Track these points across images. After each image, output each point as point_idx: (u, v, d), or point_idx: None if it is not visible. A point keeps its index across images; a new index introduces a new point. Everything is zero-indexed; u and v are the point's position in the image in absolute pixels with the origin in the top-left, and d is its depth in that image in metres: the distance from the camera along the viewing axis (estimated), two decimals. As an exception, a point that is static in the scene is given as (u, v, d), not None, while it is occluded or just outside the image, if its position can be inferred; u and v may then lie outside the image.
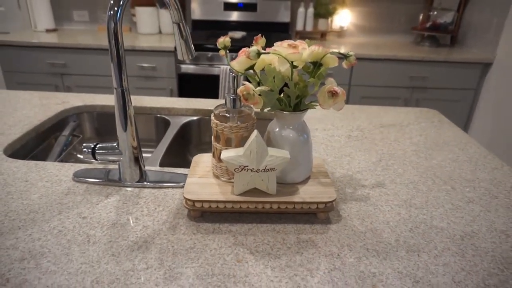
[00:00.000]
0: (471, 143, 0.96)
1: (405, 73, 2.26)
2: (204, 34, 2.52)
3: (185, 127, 1.11)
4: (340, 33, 2.76)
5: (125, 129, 0.68)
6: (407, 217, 0.65)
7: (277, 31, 2.66)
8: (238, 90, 0.58)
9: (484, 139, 2.27)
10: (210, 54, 2.21)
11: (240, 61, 0.58)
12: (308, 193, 0.61)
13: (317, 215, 0.63)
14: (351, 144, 0.93)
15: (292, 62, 0.57)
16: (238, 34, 2.39)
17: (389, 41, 2.70)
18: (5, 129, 0.94)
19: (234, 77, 0.61)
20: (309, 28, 2.61)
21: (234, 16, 2.63)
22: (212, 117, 0.63)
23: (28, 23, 2.77)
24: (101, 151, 0.70)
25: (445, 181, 0.77)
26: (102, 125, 1.16)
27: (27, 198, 0.66)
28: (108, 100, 1.17)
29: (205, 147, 1.16)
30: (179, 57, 0.73)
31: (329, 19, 2.63)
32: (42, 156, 0.98)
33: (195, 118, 1.13)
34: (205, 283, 0.49)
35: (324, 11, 2.58)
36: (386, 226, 0.62)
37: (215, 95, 2.26)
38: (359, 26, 2.74)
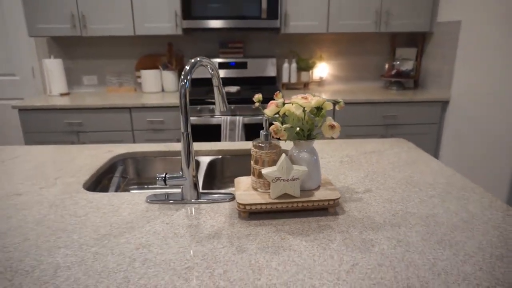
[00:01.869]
0: (432, 160, 1.28)
1: (378, 113, 2.65)
2: (203, 90, 2.88)
3: (212, 165, 1.39)
4: (320, 82, 3.18)
5: (188, 162, 0.96)
6: (390, 208, 0.93)
7: (266, 84, 3.05)
8: (270, 128, 0.89)
9: (451, 164, 2.62)
10: (211, 107, 2.54)
11: (271, 109, 0.89)
12: (321, 195, 0.90)
13: (328, 210, 0.91)
14: (343, 167, 1.23)
15: (304, 108, 0.88)
16: (234, 89, 2.76)
17: (362, 87, 3.13)
18: (74, 173, 1.20)
19: (266, 119, 0.92)
20: (293, 80, 3.02)
21: (228, 73, 3.02)
22: (252, 147, 0.92)
23: (41, 89, 3.08)
24: (171, 178, 0.97)
25: (414, 185, 1.07)
26: (142, 168, 1.43)
27: (120, 215, 0.92)
28: (144, 147, 1.45)
29: (227, 180, 1.43)
30: (219, 109, 1.04)
31: (310, 72, 3.06)
32: (104, 191, 1.23)
33: (219, 157, 1.41)
34: (264, 252, 0.75)
35: (305, 65, 3.01)
36: (376, 214, 0.90)
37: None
38: (336, 76, 3.18)
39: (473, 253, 0.74)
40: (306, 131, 0.91)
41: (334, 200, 0.89)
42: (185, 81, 0.91)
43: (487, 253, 0.74)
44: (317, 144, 1.47)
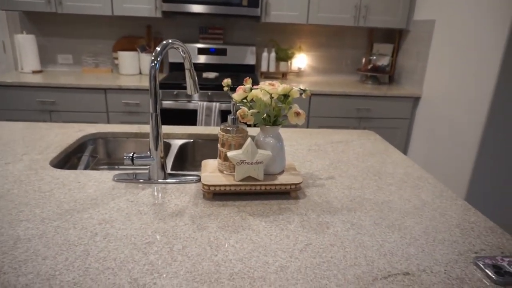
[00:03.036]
0: (395, 152, 1.34)
1: (352, 106, 2.71)
2: (180, 74, 2.86)
3: (182, 148, 1.41)
4: (298, 73, 3.21)
5: (156, 143, 0.97)
6: (348, 194, 0.98)
7: (244, 72, 3.06)
8: (237, 112, 0.91)
9: (420, 158, 2.73)
10: (188, 93, 2.53)
11: (239, 94, 0.91)
12: (284, 179, 0.93)
13: (290, 194, 0.95)
14: (310, 154, 1.27)
15: (271, 94, 0.91)
16: (212, 75, 2.76)
17: (339, 80, 3.18)
18: (42, 150, 1.19)
19: (234, 104, 0.94)
20: (272, 69, 3.04)
21: (207, 59, 3.01)
22: (219, 131, 0.94)
23: (12, 66, 2.98)
24: (138, 158, 0.98)
25: (374, 174, 1.12)
26: (112, 148, 1.43)
27: (85, 192, 0.93)
28: (115, 128, 1.45)
29: (197, 164, 1.45)
30: (189, 92, 1.06)
31: (289, 62, 3.09)
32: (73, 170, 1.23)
33: (191, 140, 1.43)
34: (224, 230, 0.78)
35: (284, 55, 3.03)
36: (335, 199, 0.95)
37: (192, 127, 2.56)
38: (314, 68, 3.22)
39: (418, 237, 0.79)
40: (272, 117, 0.93)
41: (296, 184, 0.93)
42: (155, 62, 0.92)
43: (431, 237, 0.79)
44: (287, 132, 1.51)
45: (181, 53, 0.99)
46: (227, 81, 0.95)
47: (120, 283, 0.61)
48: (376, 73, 3.00)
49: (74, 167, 1.26)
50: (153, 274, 0.63)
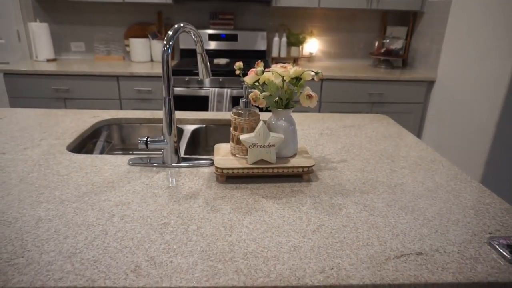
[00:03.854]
0: (408, 135, 1.32)
1: (365, 90, 2.68)
2: (191, 61, 2.86)
3: (195, 133, 1.42)
4: (310, 58, 3.18)
5: (170, 127, 0.99)
6: (361, 177, 0.98)
7: (255, 57, 3.04)
8: (249, 96, 0.91)
9: (433, 142, 2.70)
10: (199, 78, 2.54)
11: (251, 77, 0.91)
12: (296, 162, 0.94)
13: (303, 176, 0.95)
14: (323, 138, 1.27)
15: (283, 77, 0.90)
16: (223, 61, 2.75)
17: (351, 65, 3.14)
18: (58, 135, 1.22)
19: (246, 87, 0.94)
20: (283, 54, 3.01)
21: (218, 45, 3.00)
22: (232, 114, 0.95)
23: (27, 54, 3.02)
24: (152, 142, 0.99)
25: (387, 157, 1.12)
26: (126, 134, 1.45)
27: (102, 175, 0.95)
28: (129, 114, 1.46)
29: (210, 148, 1.46)
30: (201, 77, 1.06)
31: (300, 47, 3.05)
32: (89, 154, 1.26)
33: (203, 126, 1.44)
34: (237, 212, 0.80)
35: (295, 40, 2.99)
36: (348, 182, 0.95)
37: (204, 114, 2.57)
38: (325, 52, 3.18)
39: (432, 218, 0.79)
40: (284, 100, 0.93)
41: (308, 167, 0.93)
42: (168, 46, 0.93)
43: (444, 218, 0.79)
44: (299, 116, 1.51)
45: (193, 37, 0.99)
46: (239, 65, 0.95)
47: (138, 261, 0.63)
48: (389, 57, 2.95)
49: (90, 152, 1.29)
50: (169, 253, 0.65)
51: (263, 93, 0.91)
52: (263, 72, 0.91)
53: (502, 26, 2.06)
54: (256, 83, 0.94)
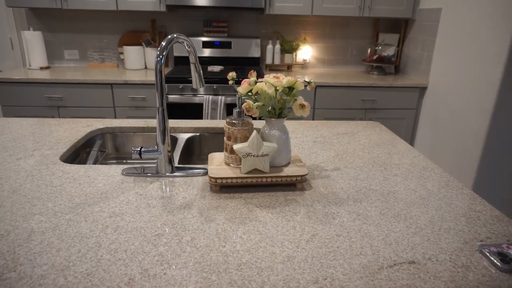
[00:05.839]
0: (401, 142, 1.34)
1: (358, 97, 2.70)
2: (185, 68, 2.87)
3: (189, 141, 1.42)
4: (303, 65, 3.20)
5: (163, 136, 0.99)
6: (354, 185, 0.99)
7: (249, 65, 3.06)
8: (243, 105, 0.92)
9: (426, 147, 2.72)
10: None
11: (243, 88, 0.92)
12: (290, 171, 0.94)
13: (296, 185, 0.96)
14: (316, 146, 1.28)
15: (276, 87, 0.91)
16: (217, 68, 2.76)
17: (344, 71, 3.17)
18: (52, 145, 1.21)
19: (239, 97, 0.95)
20: (277, 61, 3.03)
21: (212, 52, 3.01)
22: (225, 124, 0.95)
23: (20, 62, 3.01)
24: (145, 152, 0.99)
25: (380, 165, 1.13)
26: (120, 143, 1.45)
27: (95, 186, 0.95)
28: (123, 123, 1.46)
29: (204, 157, 1.47)
30: (194, 86, 1.06)
31: (294, 54, 3.07)
32: (82, 164, 1.25)
33: (197, 134, 1.44)
34: (231, 222, 0.80)
35: (289, 47, 3.02)
36: (341, 190, 0.96)
37: (198, 121, 2.58)
38: (319, 59, 3.21)
39: (424, 226, 0.80)
40: (277, 109, 0.94)
41: (301, 176, 0.94)
42: (161, 56, 0.93)
43: (436, 226, 0.80)
44: (293, 124, 1.52)
45: (186, 47, 1.00)
46: (232, 75, 0.95)
47: (132, 274, 0.63)
48: (382, 64, 2.98)
49: (83, 161, 1.28)
50: (163, 265, 0.65)
51: (256, 103, 0.92)
52: (256, 82, 0.91)
53: (491, 32, 2.09)
54: (249, 93, 0.95)
